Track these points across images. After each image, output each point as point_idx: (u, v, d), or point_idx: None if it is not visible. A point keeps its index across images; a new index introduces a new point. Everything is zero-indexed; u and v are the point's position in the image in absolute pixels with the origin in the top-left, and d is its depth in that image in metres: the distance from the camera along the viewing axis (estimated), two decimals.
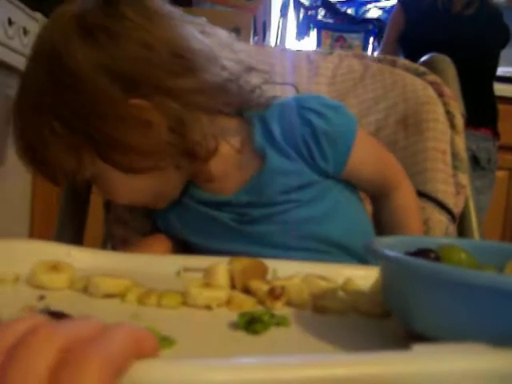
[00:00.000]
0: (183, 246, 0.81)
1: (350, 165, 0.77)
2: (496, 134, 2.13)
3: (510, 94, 2.53)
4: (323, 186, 0.77)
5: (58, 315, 0.43)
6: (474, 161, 2.04)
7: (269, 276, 0.59)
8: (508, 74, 2.75)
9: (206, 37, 0.72)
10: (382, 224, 0.83)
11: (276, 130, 0.75)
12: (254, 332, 0.44)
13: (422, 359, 0.30)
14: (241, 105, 0.75)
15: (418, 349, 0.31)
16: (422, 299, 0.41)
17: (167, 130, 0.67)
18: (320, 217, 0.76)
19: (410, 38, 2.13)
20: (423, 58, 1.08)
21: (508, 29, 2.22)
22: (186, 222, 0.80)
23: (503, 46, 2.24)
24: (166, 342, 0.40)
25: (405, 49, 2.17)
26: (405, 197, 0.85)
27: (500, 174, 2.40)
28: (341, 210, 0.78)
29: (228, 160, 0.76)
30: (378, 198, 0.85)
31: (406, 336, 0.46)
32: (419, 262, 0.41)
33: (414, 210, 0.85)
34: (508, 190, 2.64)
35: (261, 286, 0.53)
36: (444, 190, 0.93)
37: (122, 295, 0.51)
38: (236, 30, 2.14)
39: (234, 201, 0.77)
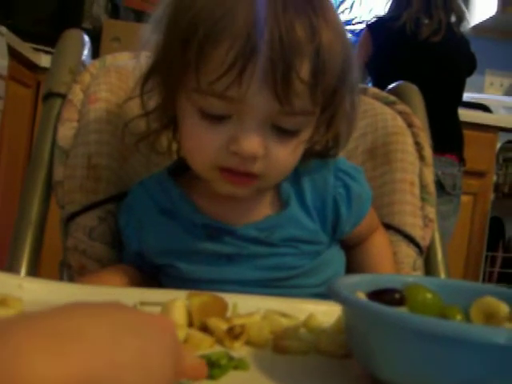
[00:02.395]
0: (149, 280, 0.78)
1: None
2: (462, 160, 2.15)
3: (474, 119, 2.57)
4: (326, 257, 0.77)
5: None
6: (440, 186, 2.05)
7: (228, 312, 0.56)
8: (472, 100, 2.79)
9: None
10: (356, 271, 0.83)
11: (307, 186, 0.75)
12: (211, 377, 0.42)
13: None
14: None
15: None
16: (383, 346, 0.40)
17: None
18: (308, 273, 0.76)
19: (377, 62, 2.15)
20: (390, 86, 1.07)
21: (474, 56, 2.26)
22: (177, 244, 0.75)
23: (470, 73, 2.27)
24: None
25: (371, 74, 2.19)
26: (380, 243, 0.86)
27: (464, 198, 2.42)
28: (329, 268, 0.78)
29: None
30: (354, 245, 0.84)
31: (369, 379, 0.44)
32: (379, 307, 0.39)
33: (388, 255, 0.86)
34: (472, 214, 2.67)
35: (219, 325, 0.51)
36: (412, 222, 0.92)
37: None
38: None
39: (240, 232, 0.73)
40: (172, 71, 0.67)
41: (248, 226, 0.74)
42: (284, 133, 0.66)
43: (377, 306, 0.40)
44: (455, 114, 2.20)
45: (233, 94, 0.62)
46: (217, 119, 0.64)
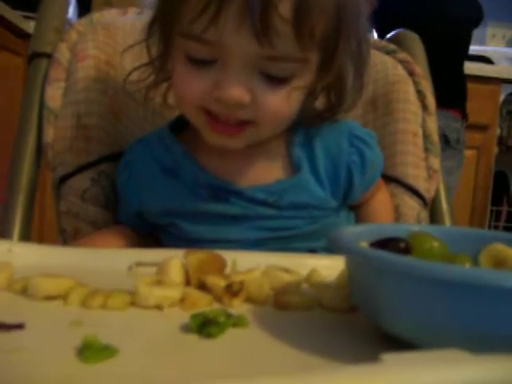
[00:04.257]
0: (146, 241, 0.76)
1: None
2: (464, 116, 2.11)
3: (476, 72, 2.52)
4: (334, 220, 0.75)
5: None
6: (445, 140, 2.02)
7: (227, 269, 0.54)
8: (474, 52, 2.74)
9: None
10: None
11: (319, 151, 0.73)
12: (209, 335, 0.40)
13: (395, 372, 0.26)
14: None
15: (390, 360, 0.27)
16: (389, 296, 0.37)
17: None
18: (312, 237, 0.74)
19: (382, 13, 2.09)
20: (390, 35, 1.03)
21: (481, 8, 2.20)
22: (180, 204, 0.73)
23: (476, 25, 2.21)
24: (106, 351, 0.36)
25: (376, 25, 2.13)
26: (382, 201, 0.84)
27: (468, 152, 2.39)
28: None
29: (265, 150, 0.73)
30: (357, 206, 0.82)
31: (375, 332, 0.42)
32: (384, 255, 0.37)
33: (390, 211, 0.85)
34: (476, 168, 2.64)
35: (218, 282, 0.49)
36: (415, 174, 0.89)
37: (64, 297, 0.46)
38: None
39: (247, 194, 0.71)
40: (165, 16, 0.65)
41: (256, 189, 0.71)
42: (273, 79, 0.63)
43: (382, 254, 0.37)
44: (460, 68, 2.15)
45: (210, 36, 0.59)
46: (202, 64, 0.62)
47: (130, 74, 0.76)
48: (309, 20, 0.60)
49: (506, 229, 2.82)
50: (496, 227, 2.83)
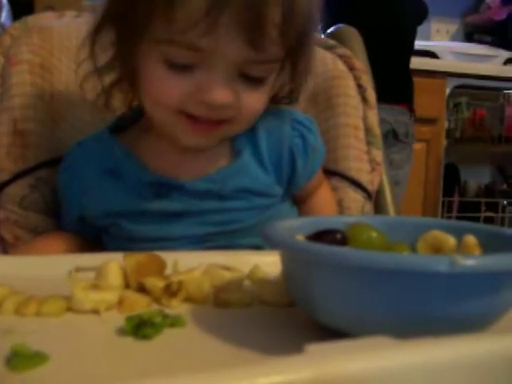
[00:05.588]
0: (89, 244, 0.74)
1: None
2: (412, 111, 2.14)
3: (422, 66, 2.56)
4: (277, 211, 0.75)
5: None
6: (393, 134, 2.04)
7: (168, 270, 0.54)
8: (420, 48, 2.79)
9: None
10: None
11: (262, 136, 0.73)
12: (144, 337, 0.39)
13: (316, 362, 0.26)
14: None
15: (312, 350, 0.27)
16: (320, 287, 0.37)
17: None
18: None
19: (327, 11, 2.10)
20: (329, 30, 1.04)
21: (426, 5, 2.24)
22: (122, 204, 0.71)
23: (420, 22, 2.25)
24: (35, 359, 0.35)
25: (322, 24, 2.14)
26: (325, 196, 0.84)
27: (417, 145, 2.43)
28: None
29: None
30: (300, 201, 0.82)
31: (315, 326, 0.42)
32: (313, 246, 0.37)
33: (333, 207, 0.86)
34: (426, 161, 2.68)
35: (156, 283, 0.48)
36: (358, 167, 0.90)
37: None
38: None
39: (188, 187, 0.71)
40: (130, 20, 0.63)
41: (198, 180, 0.71)
42: (252, 80, 0.64)
43: (313, 245, 0.37)
44: (406, 65, 2.18)
45: (204, 44, 0.59)
46: (182, 68, 0.62)
47: (84, 79, 0.73)
48: (293, 23, 0.62)
49: (459, 219, 2.87)
50: (449, 218, 2.88)
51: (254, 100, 0.66)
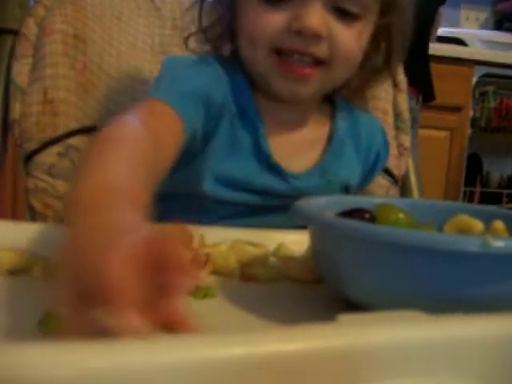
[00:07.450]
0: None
1: None
2: (420, 95, 2.08)
3: (450, 53, 2.53)
4: None
5: None
6: None
7: (195, 243, 0.54)
8: (448, 34, 2.75)
9: None
10: None
11: (362, 132, 0.75)
12: None
13: (348, 331, 0.26)
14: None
15: (344, 319, 0.27)
16: (350, 262, 0.38)
17: None
18: None
19: None
20: None
21: None
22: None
23: (437, 8, 2.20)
24: None
25: None
26: None
27: (441, 134, 2.41)
28: None
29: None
30: None
31: (340, 302, 0.42)
32: (348, 222, 0.37)
33: None
34: (450, 149, 2.66)
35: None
36: None
37: (26, 270, 0.46)
38: None
39: (302, 179, 0.69)
40: None
41: (310, 172, 0.70)
42: (347, 15, 0.64)
43: (346, 222, 0.38)
44: (419, 49, 2.12)
45: None
46: (278, 1, 0.63)
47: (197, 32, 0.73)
48: None
49: None
50: None
51: (347, 37, 0.64)
